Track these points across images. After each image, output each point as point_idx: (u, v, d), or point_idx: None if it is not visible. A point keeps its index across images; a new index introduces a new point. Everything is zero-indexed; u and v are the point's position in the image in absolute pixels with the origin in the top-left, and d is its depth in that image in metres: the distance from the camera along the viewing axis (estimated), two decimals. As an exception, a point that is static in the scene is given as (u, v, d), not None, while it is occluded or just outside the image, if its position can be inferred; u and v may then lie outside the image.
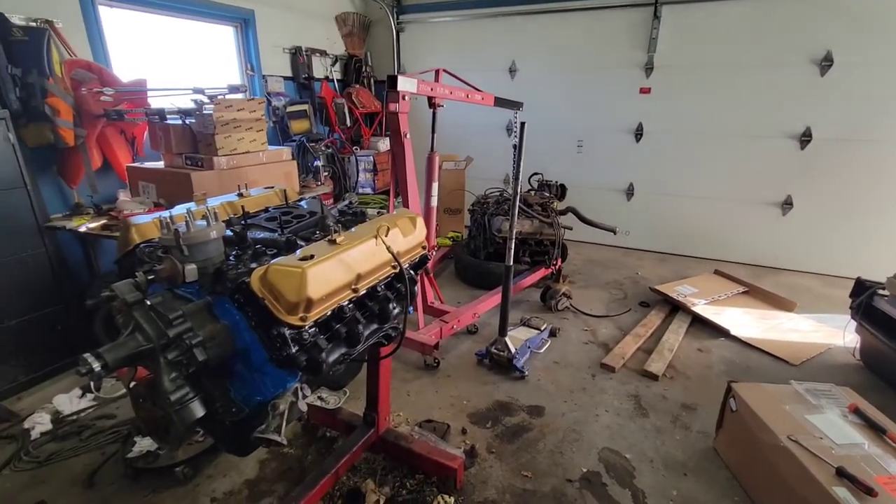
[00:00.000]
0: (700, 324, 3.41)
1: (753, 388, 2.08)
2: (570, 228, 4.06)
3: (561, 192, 4.43)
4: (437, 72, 3.05)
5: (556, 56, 4.98)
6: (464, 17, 5.32)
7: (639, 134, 4.84)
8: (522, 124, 2.57)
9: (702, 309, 3.49)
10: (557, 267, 3.92)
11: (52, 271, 2.71)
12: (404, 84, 2.55)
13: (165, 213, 1.21)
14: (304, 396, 1.25)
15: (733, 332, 3.23)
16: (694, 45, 4.38)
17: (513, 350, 2.78)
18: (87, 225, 2.73)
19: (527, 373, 2.77)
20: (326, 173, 4.40)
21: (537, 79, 5.16)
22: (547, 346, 3.12)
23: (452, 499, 1.90)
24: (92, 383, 2.65)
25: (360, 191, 5.38)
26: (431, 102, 2.93)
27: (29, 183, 2.56)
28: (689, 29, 4.36)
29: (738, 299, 3.77)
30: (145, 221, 1.29)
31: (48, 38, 2.73)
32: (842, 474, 1.61)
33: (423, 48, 5.70)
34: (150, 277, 1.09)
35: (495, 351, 2.83)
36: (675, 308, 3.63)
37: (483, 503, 1.92)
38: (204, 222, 1.14)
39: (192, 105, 2.94)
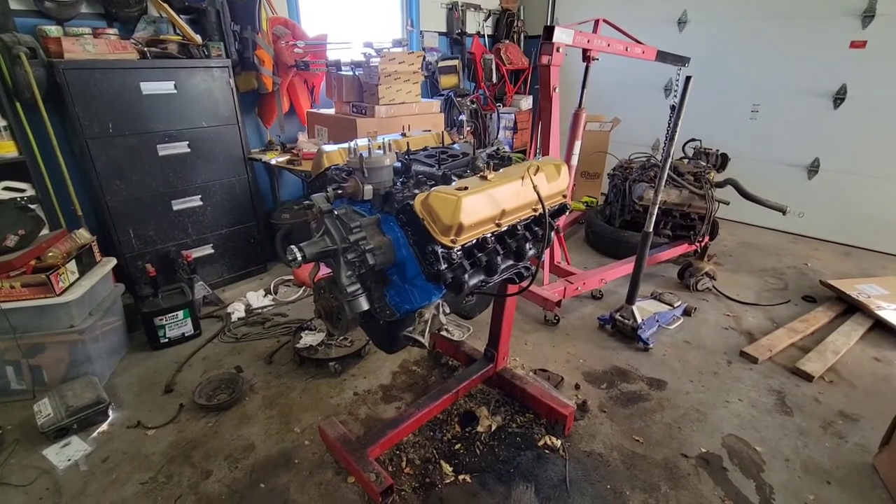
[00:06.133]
0: (884, 331, 2.85)
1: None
2: (727, 203, 3.62)
3: (721, 162, 3.94)
4: (596, 22, 2.90)
5: (742, 2, 4.28)
6: (632, -38, 4.85)
7: (839, 98, 3.99)
8: (688, 78, 2.34)
9: (891, 315, 2.89)
10: (703, 244, 3.57)
11: (251, 195, 3.36)
12: (560, 35, 2.49)
13: (352, 143, 1.45)
14: (445, 313, 1.43)
15: (932, 347, 2.64)
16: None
17: (639, 320, 2.69)
18: (276, 159, 3.31)
19: (651, 345, 2.67)
20: (469, 128, 4.55)
21: (711, 31, 4.52)
22: (678, 323, 2.93)
23: (560, 442, 2.00)
24: (272, 286, 3.30)
25: (498, 148, 5.45)
26: (586, 55, 2.81)
27: (240, 121, 3.17)
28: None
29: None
30: (334, 150, 1.56)
31: (259, -1, 3.27)
32: None
33: (580, 2, 5.36)
34: (338, 192, 1.33)
35: (620, 318, 2.76)
36: (851, 308, 3.07)
37: (589, 454, 1.98)
38: (381, 151, 1.34)
39: (361, 58, 3.28)
